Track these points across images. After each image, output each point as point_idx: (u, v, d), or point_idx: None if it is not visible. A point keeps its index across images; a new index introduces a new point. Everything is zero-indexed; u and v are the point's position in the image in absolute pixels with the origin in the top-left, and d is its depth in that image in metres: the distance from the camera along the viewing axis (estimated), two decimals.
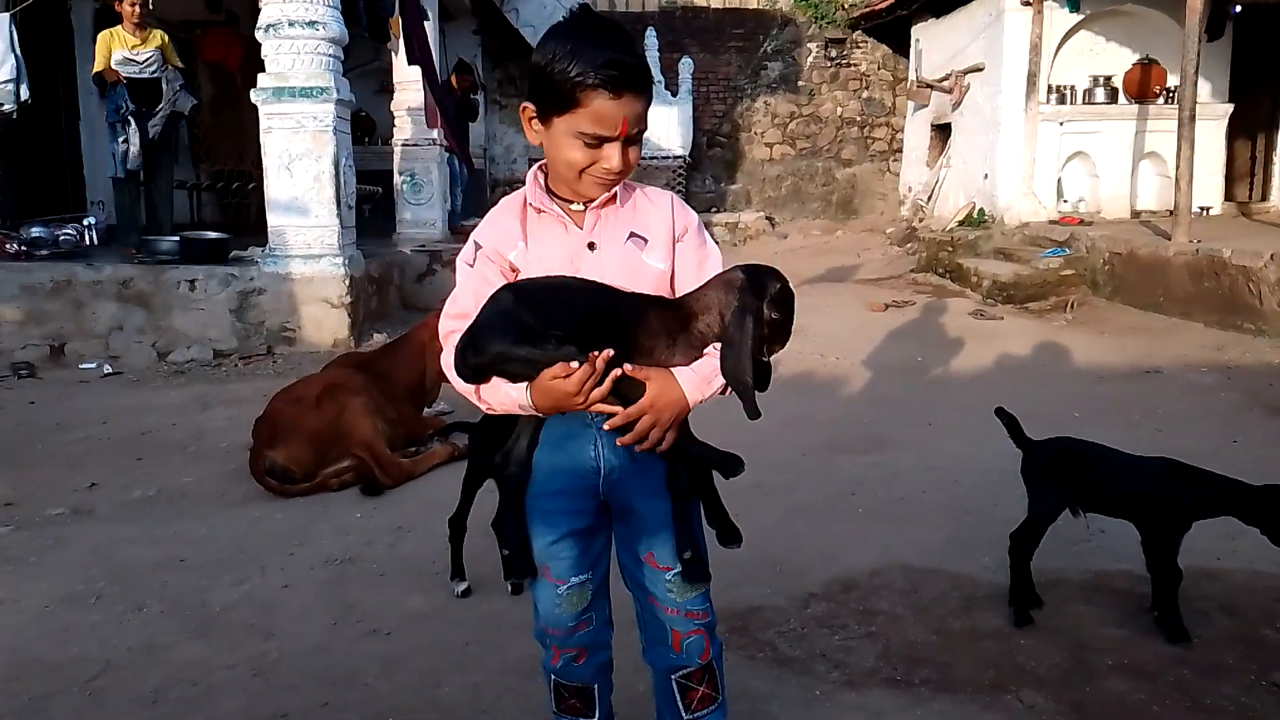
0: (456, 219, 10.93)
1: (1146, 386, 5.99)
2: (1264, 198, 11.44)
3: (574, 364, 1.63)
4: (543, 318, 1.66)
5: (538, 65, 1.69)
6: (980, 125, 11.28)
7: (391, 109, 10.48)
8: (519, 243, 1.78)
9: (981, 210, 11.05)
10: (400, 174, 10.27)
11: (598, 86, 1.63)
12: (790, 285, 1.76)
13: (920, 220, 12.39)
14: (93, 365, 6.90)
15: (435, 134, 10.23)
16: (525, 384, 1.68)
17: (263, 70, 7.13)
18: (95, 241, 8.04)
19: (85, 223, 8.11)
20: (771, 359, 1.75)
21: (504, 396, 1.71)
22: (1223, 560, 3.35)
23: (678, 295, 1.79)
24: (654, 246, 1.81)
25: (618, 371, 1.65)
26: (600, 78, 1.63)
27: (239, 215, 11.74)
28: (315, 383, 4.46)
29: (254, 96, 7.12)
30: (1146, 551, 2.91)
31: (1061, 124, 10.59)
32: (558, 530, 1.84)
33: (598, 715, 1.98)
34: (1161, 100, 10.52)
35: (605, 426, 1.73)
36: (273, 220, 7.22)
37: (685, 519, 1.84)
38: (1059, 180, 10.73)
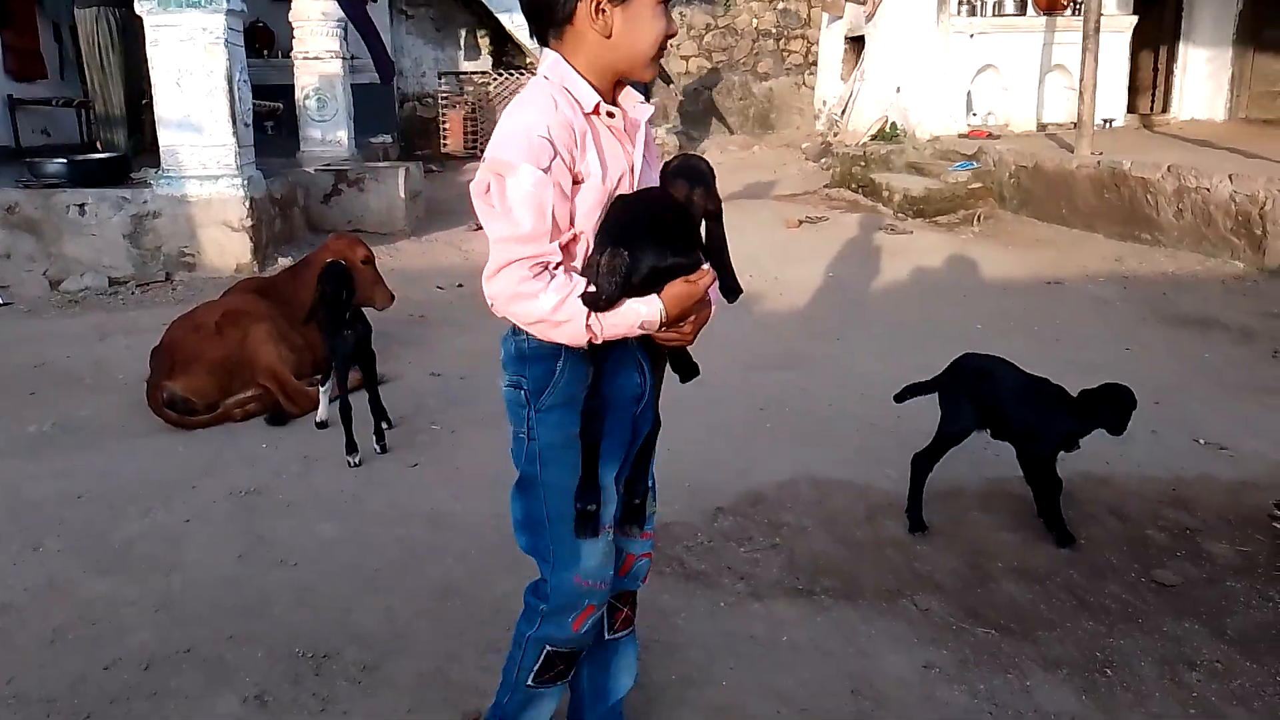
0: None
1: (1049, 298, 6.17)
2: (1165, 109, 11.68)
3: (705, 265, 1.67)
4: (675, 226, 1.67)
5: None
6: (893, 37, 11.25)
7: (290, 20, 10.00)
8: (581, 147, 1.64)
9: (894, 124, 11.09)
10: (303, 89, 9.85)
11: None
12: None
13: (835, 135, 12.40)
14: None
15: (338, 46, 9.80)
16: (653, 295, 1.63)
17: None
18: None
19: None
20: None
21: (628, 314, 1.62)
22: (1112, 465, 3.51)
23: None
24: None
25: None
26: None
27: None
28: (215, 309, 4.32)
29: (138, 6, 6.71)
30: (1024, 467, 3.03)
31: (972, 36, 10.61)
32: (610, 472, 1.78)
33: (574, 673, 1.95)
34: (1069, 12, 10.58)
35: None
36: (165, 139, 6.88)
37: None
38: (969, 93, 10.79)
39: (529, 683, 1.87)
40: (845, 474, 3.49)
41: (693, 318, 1.69)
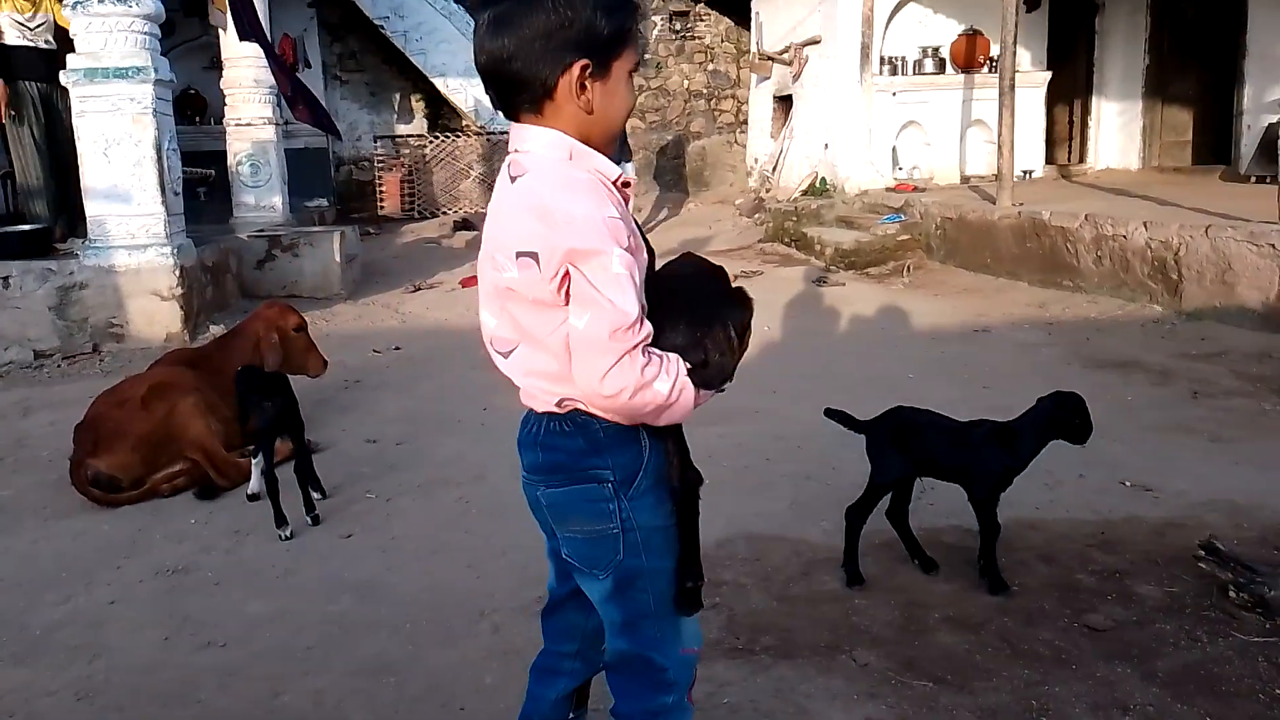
0: None
1: (977, 345, 6.31)
2: (1082, 160, 12.15)
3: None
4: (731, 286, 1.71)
5: (579, 13, 1.53)
6: (819, 96, 11.57)
7: (222, 86, 9.98)
8: (628, 222, 1.60)
9: (824, 179, 11.35)
10: (235, 155, 9.82)
11: (637, 10, 1.62)
12: None
13: (767, 191, 12.65)
14: None
15: (271, 112, 9.80)
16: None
17: (73, 50, 6.68)
18: None
19: None
20: None
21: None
22: (1042, 510, 3.58)
23: None
24: None
25: None
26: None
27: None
28: (141, 382, 4.23)
29: (64, 78, 6.66)
30: (975, 509, 3.07)
31: (894, 94, 10.97)
32: None
33: None
34: (986, 69, 11.00)
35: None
36: (91, 209, 6.79)
37: None
38: (894, 149, 11.13)
39: None
40: (781, 528, 3.51)
41: None
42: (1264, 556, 3.07)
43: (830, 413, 3.23)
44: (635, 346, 1.50)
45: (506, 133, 11.21)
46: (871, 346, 6.40)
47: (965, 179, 11.01)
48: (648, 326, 1.53)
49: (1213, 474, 3.96)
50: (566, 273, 1.50)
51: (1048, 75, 11.34)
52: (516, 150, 1.62)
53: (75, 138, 6.76)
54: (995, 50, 10.63)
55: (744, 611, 2.93)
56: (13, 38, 7.38)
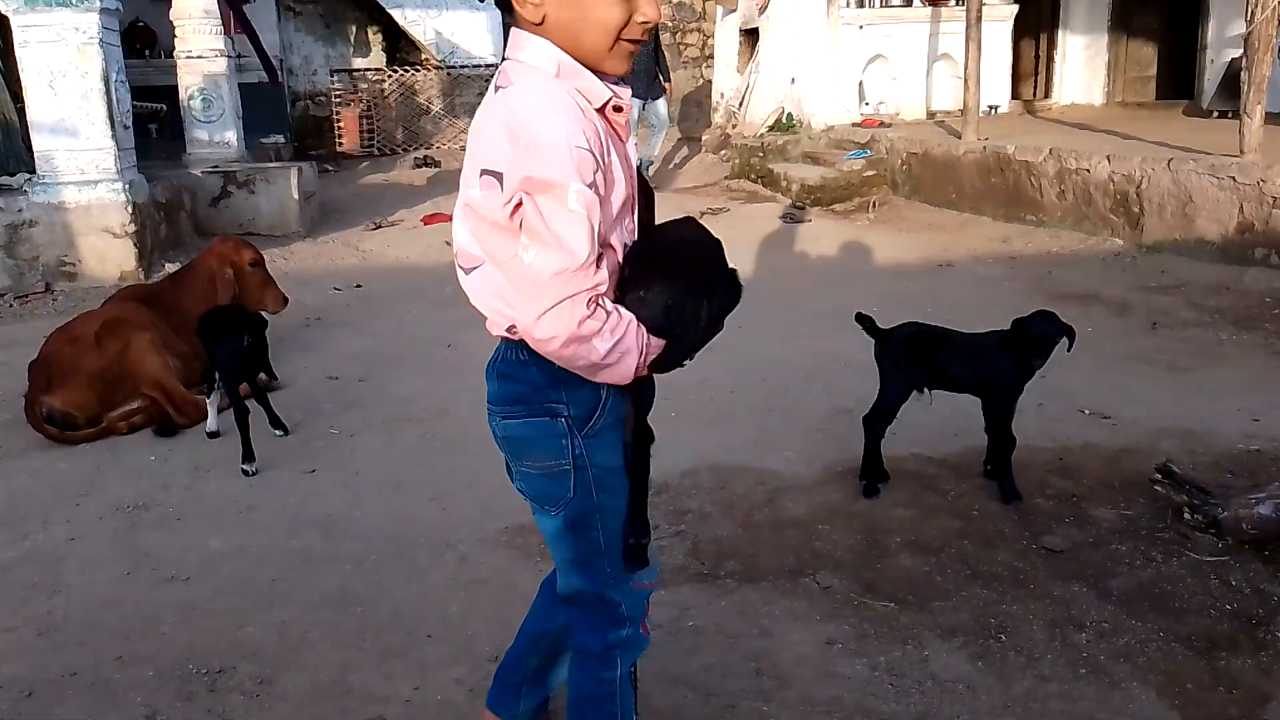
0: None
1: (940, 279, 6.34)
2: (1047, 95, 12.12)
3: None
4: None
5: None
6: (786, 30, 11.41)
7: (172, 18, 9.65)
8: (606, 152, 1.46)
9: (790, 115, 11.24)
10: (186, 90, 9.52)
11: None
12: None
13: (734, 127, 12.51)
14: None
15: (223, 44, 9.50)
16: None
17: None
18: None
19: None
20: None
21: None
22: None
23: None
24: None
25: None
26: None
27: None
28: (94, 319, 4.14)
29: (2, 5, 6.40)
30: (988, 421, 3.15)
31: (861, 27, 10.82)
32: None
33: None
34: (953, 2, 10.87)
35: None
36: (39, 144, 6.58)
37: None
38: (860, 83, 11.00)
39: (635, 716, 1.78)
40: (745, 459, 3.53)
41: None
42: (1217, 480, 3.13)
43: (859, 316, 3.27)
44: (579, 294, 1.42)
45: (465, 66, 10.96)
46: (836, 282, 6.40)
47: (931, 114, 10.94)
48: (601, 274, 1.45)
49: (1169, 402, 4.02)
50: (520, 201, 1.41)
51: (1014, 9, 11.23)
52: (507, 58, 1.50)
53: (19, 69, 6.53)
54: None
55: (708, 538, 2.95)
56: None
